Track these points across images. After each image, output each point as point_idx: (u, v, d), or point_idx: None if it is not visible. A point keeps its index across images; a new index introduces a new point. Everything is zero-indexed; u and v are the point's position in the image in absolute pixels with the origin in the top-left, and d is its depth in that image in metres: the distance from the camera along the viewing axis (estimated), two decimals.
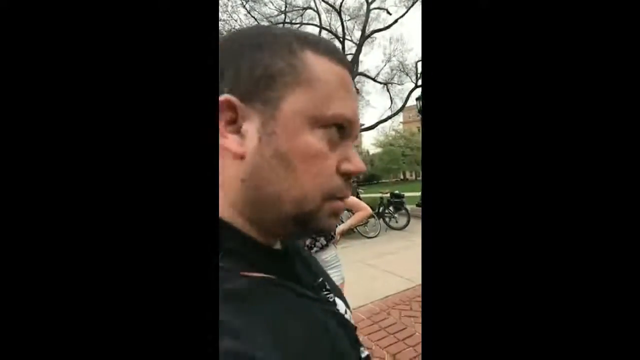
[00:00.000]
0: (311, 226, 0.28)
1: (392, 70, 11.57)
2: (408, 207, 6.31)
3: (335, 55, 0.29)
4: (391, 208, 6.36)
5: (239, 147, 0.27)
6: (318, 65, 0.27)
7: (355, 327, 0.38)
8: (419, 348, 2.03)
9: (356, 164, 0.29)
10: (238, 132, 0.27)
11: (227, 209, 0.28)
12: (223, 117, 0.27)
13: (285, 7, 9.75)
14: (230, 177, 0.27)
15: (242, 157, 0.27)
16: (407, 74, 11.51)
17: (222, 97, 0.27)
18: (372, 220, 5.83)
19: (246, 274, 0.26)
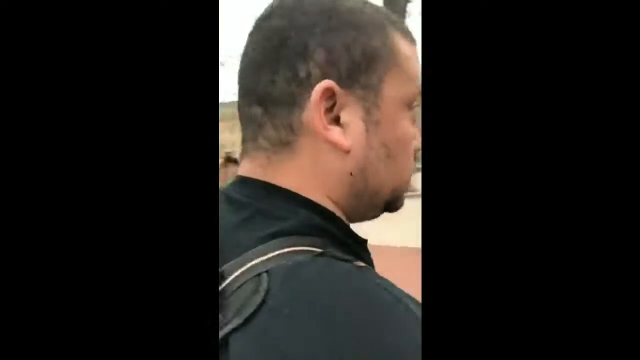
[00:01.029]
0: (396, 207, 0.29)
1: None
2: None
3: (411, 35, 0.28)
4: None
5: (345, 139, 0.24)
6: (405, 46, 0.26)
7: None
8: None
9: (419, 140, 0.27)
10: (337, 122, 0.24)
11: (329, 203, 0.25)
12: (322, 106, 0.23)
13: None
14: (335, 171, 0.25)
15: (345, 149, 0.24)
16: None
17: (324, 84, 0.23)
18: None
19: (360, 264, 0.24)
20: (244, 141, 0.27)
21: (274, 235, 0.22)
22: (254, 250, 0.21)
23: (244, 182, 0.26)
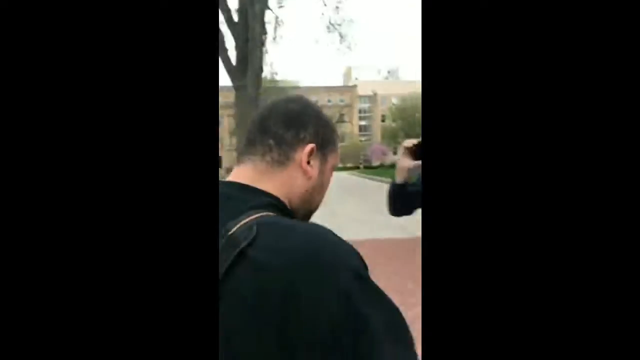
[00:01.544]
0: (310, 217, 0.49)
1: None
2: None
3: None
4: None
5: (312, 172, 0.43)
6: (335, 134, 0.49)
7: None
8: None
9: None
10: (309, 163, 0.43)
11: (288, 203, 0.43)
12: (307, 154, 0.43)
13: None
14: (299, 187, 0.43)
15: (310, 178, 0.43)
16: None
17: (312, 145, 0.43)
18: None
19: None
20: (245, 152, 0.45)
21: (252, 208, 0.37)
22: (243, 215, 0.36)
23: (237, 185, 0.42)
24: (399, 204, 1.06)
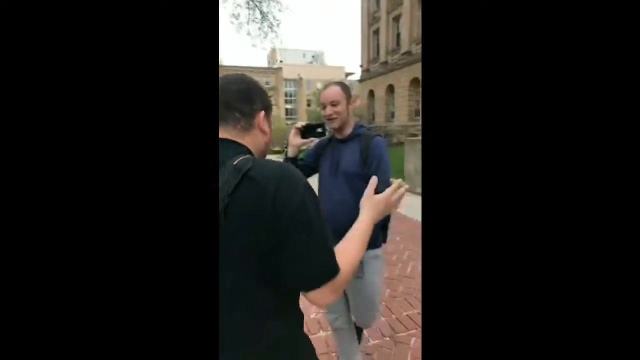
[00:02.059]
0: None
1: None
2: None
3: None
4: None
5: (266, 130, 0.64)
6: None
7: None
8: None
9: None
10: (261, 125, 0.62)
11: (255, 153, 0.61)
12: (262, 118, 0.62)
13: None
14: (260, 143, 0.63)
15: (265, 135, 0.64)
16: None
17: (262, 112, 0.63)
18: None
19: None
20: (221, 123, 0.59)
21: (240, 153, 0.56)
22: (237, 156, 0.55)
23: (226, 140, 0.58)
24: None
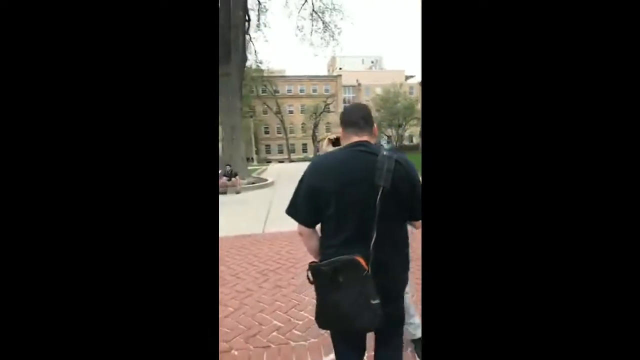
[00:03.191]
0: None
1: None
2: None
3: None
4: None
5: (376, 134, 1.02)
6: None
7: None
8: None
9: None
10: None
11: None
12: (375, 128, 1.07)
13: None
14: (372, 141, 1.02)
15: (375, 136, 1.05)
16: None
17: (375, 125, 1.08)
18: None
19: None
20: (362, 131, 1.01)
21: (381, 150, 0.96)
22: (381, 150, 0.96)
23: (366, 141, 0.97)
24: None
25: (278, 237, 3.78)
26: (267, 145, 33.93)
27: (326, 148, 1.53)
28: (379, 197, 0.85)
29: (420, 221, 1.01)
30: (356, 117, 1.00)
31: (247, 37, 9.29)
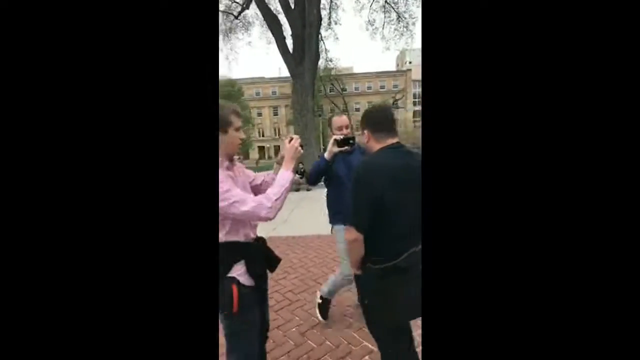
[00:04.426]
0: None
1: None
2: None
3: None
4: None
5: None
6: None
7: None
8: None
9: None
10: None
11: None
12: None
13: None
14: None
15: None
16: None
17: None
18: None
19: None
20: (393, 133, 1.10)
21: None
22: (403, 148, 1.10)
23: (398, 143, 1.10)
24: (319, 176, 1.71)
25: None
26: None
27: (332, 148, 1.57)
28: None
29: None
30: (386, 118, 1.07)
31: (320, 35, 9.35)
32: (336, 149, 1.57)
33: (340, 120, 1.76)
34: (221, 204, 0.96)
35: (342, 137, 1.58)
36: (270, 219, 1.02)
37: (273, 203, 1.01)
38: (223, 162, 1.08)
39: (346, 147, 1.58)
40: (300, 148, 1.12)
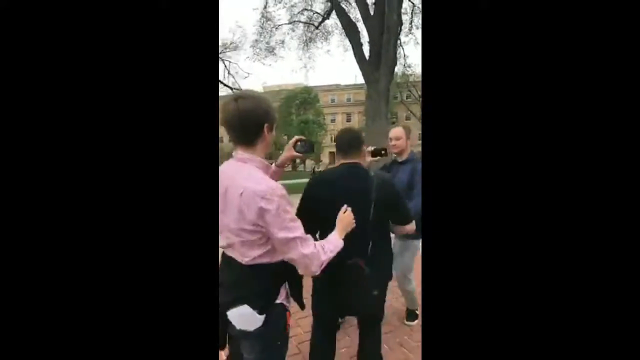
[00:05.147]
0: None
1: None
2: None
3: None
4: None
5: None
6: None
7: None
8: None
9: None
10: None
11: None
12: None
13: None
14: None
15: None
16: None
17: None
18: None
19: None
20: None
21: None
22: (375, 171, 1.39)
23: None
24: None
25: None
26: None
27: (366, 158, 1.64)
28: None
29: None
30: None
31: (399, 41, 9.04)
32: (369, 160, 1.71)
33: (394, 131, 1.91)
34: (280, 233, 0.80)
35: (373, 148, 1.71)
36: (312, 275, 0.87)
37: (324, 260, 0.88)
38: (268, 166, 0.94)
39: (378, 157, 1.76)
40: (353, 222, 1.12)
